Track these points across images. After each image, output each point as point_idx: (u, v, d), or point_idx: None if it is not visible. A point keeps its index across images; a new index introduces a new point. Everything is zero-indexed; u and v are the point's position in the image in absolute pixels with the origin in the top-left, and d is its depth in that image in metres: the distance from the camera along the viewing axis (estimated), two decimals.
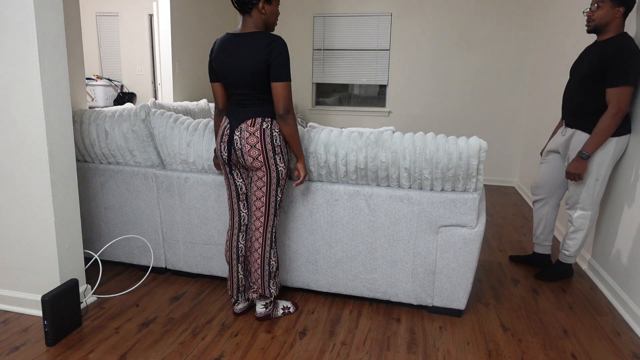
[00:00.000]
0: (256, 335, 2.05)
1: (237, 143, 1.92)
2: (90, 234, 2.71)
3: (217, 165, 2.22)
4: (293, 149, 1.95)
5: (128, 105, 3.22)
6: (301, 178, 2.01)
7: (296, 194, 2.26)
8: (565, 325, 2.20)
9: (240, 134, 1.90)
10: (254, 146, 1.89)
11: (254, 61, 1.82)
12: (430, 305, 2.26)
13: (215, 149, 2.08)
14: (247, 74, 1.85)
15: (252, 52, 1.82)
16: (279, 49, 1.81)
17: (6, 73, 1.95)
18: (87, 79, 5.63)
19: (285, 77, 1.83)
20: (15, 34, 1.91)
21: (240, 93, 1.91)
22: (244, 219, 2.11)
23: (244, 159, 1.93)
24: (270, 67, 1.82)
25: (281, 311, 2.21)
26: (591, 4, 2.33)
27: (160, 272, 2.67)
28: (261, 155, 1.90)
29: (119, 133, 2.46)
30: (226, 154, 1.96)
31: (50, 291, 1.95)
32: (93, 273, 2.66)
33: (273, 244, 2.07)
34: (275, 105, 1.86)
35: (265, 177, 1.94)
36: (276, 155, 1.92)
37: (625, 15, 2.27)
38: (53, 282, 2.13)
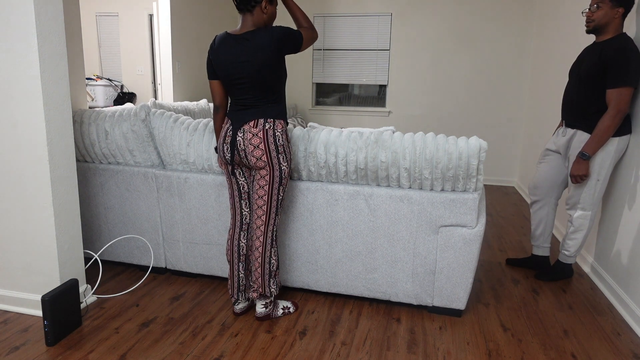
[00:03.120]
0: (256, 335, 2.05)
1: (240, 144, 1.93)
2: (90, 234, 2.71)
3: (220, 164, 2.23)
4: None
5: (128, 105, 3.22)
6: None
7: (296, 193, 2.26)
8: (565, 325, 2.20)
9: (243, 135, 1.91)
10: (257, 146, 1.90)
11: (261, 57, 1.84)
12: (430, 305, 2.26)
13: (216, 148, 2.08)
14: (252, 74, 1.86)
15: (257, 49, 1.83)
16: (280, 30, 1.85)
17: (6, 73, 1.95)
18: (87, 79, 5.63)
19: (299, 32, 1.91)
20: (15, 34, 1.91)
21: (243, 94, 1.92)
22: (245, 218, 2.11)
23: (247, 159, 1.94)
24: (286, 44, 1.87)
25: (281, 311, 2.21)
26: (590, 5, 2.33)
27: (160, 272, 2.67)
28: (265, 155, 1.91)
29: (119, 133, 2.46)
30: (229, 155, 1.97)
31: (50, 291, 1.95)
32: (93, 273, 2.66)
33: (274, 243, 2.07)
34: (302, 26, 1.99)
35: (268, 176, 1.95)
36: (279, 155, 1.93)
37: (624, 15, 2.27)
38: (53, 282, 2.13)
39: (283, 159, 1.95)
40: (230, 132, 1.95)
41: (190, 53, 4.61)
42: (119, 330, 2.06)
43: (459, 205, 2.07)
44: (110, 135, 2.48)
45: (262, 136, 1.90)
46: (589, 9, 2.34)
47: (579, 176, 2.37)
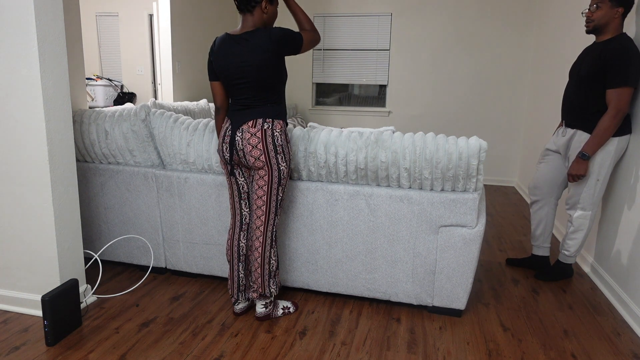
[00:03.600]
0: (256, 335, 2.05)
1: (238, 144, 1.93)
2: (90, 234, 2.71)
3: (222, 164, 2.23)
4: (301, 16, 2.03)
5: (128, 105, 3.22)
6: None
7: (296, 194, 2.26)
8: (565, 325, 2.20)
9: (242, 134, 1.91)
10: (256, 146, 1.90)
11: (259, 58, 1.83)
12: (430, 305, 2.26)
13: (218, 149, 2.09)
14: (250, 74, 1.86)
15: (255, 51, 1.83)
16: (280, 31, 1.85)
17: (6, 73, 1.95)
18: (87, 79, 5.63)
19: (299, 34, 1.91)
20: (15, 34, 1.91)
21: (242, 94, 1.92)
22: (245, 218, 2.11)
23: (246, 159, 1.94)
24: (285, 45, 1.87)
25: (281, 311, 2.21)
26: (590, 5, 2.33)
27: (160, 272, 2.67)
28: (263, 155, 1.91)
29: (119, 133, 2.46)
30: (228, 155, 1.98)
31: (50, 291, 1.95)
32: (93, 273, 2.66)
33: (273, 243, 2.07)
34: (304, 29, 1.99)
35: (267, 176, 1.95)
36: (278, 155, 1.93)
37: (624, 15, 2.27)
38: (53, 282, 2.13)
39: (282, 159, 1.95)
40: (230, 132, 1.96)
41: (190, 53, 4.61)
42: (119, 330, 2.06)
43: (459, 205, 2.07)
44: (110, 135, 2.48)
45: (260, 136, 1.90)
46: (589, 9, 2.34)
47: (577, 175, 2.37)
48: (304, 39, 1.92)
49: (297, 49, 1.92)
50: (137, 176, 2.50)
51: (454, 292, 2.20)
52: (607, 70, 2.24)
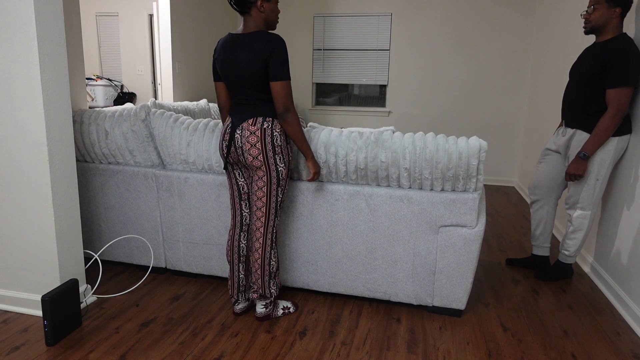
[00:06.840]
0: (256, 335, 2.05)
1: (237, 141, 1.93)
2: (90, 234, 2.71)
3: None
4: (299, 147, 1.96)
5: (128, 105, 3.22)
6: (311, 175, 2.02)
7: (296, 194, 2.26)
8: (565, 325, 2.20)
9: (242, 132, 1.91)
10: (254, 145, 1.90)
11: (253, 61, 1.83)
12: (430, 305, 2.26)
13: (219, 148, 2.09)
14: (247, 75, 1.86)
15: (251, 53, 1.83)
16: (277, 47, 1.81)
17: (6, 72, 1.96)
18: (87, 79, 5.63)
19: (283, 75, 1.83)
20: (15, 34, 1.91)
21: (242, 93, 1.92)
22: (245, 219, 2.11)
23: (244, 157, 1.94)
24: (268, 66, 1.83)
25: (281, 311, 2.21)
26: (588, 6, 2.34)
27: (160, 272, 2.67)
28: (261, 155, 1.91)
29: (119, 133, 2.46)
30: (226, 152, 1.98)
31: (50, 291, 1.95)
32: (93, 273, 2.66)
33: (273, 244, 2.07)
34: (275, 104, 1.87)
35: (265, 176, 1.95)
36: (276, 155, 1.93)
37: (622, 15, 2.27)
38: (53, 282, 2.13)
39: (280, 160, 1.95)
40: (230, 130, 1.96)
41: (190, 53, 4.61)
42: (119, 330, 2.06)
43: (459, 205, 2.07)
44: (110, 135, 2.48)
45: (259, 135, 1.90)
46: (586, 11, 2.34)
47: (575, 175, 2.38)
48: (285, 83, 1.83)
49: (272, 77, 1.83)
50: (137, 176, 2.50)
51: (454, 292, 2.20)
52: (607, 70, 2.24)
